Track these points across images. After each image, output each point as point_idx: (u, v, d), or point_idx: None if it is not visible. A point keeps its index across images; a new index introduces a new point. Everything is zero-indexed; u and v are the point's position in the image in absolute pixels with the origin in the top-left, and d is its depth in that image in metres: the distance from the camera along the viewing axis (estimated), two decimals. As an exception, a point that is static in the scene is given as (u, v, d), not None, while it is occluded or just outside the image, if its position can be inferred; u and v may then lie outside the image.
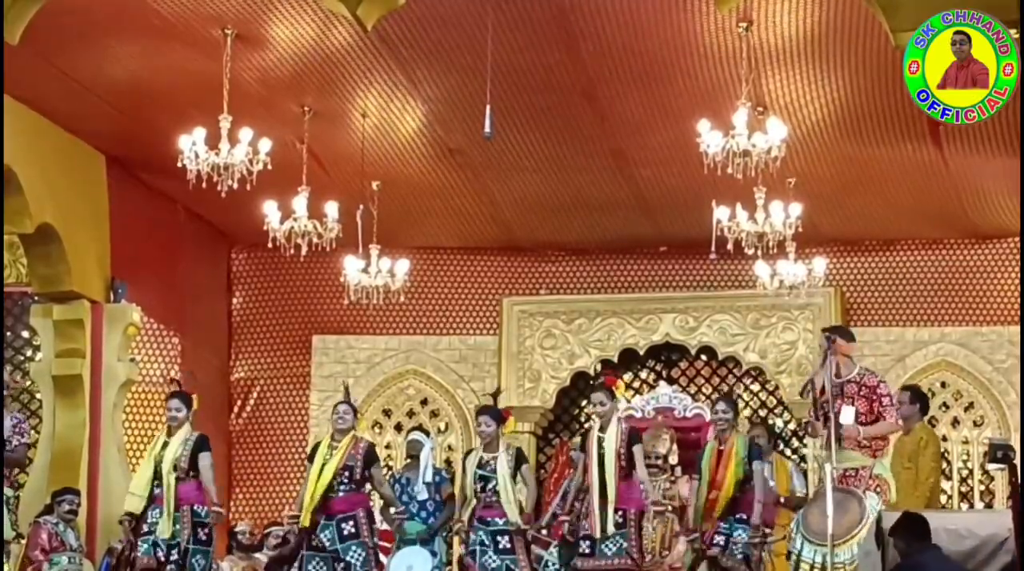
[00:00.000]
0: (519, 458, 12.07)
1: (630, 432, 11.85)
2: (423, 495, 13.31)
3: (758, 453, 11.89)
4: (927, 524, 8.23)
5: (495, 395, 12.92)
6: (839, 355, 10.61)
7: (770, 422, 16.92)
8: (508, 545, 11.77)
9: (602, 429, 11.81)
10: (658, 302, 17.77)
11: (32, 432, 16.05)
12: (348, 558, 11.59)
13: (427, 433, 15.01)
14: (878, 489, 10.58)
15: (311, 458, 11.97)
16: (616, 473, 11.60)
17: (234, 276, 18.53)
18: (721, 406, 11.93)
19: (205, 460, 11.78)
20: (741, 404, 16.09)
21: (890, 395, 10.91)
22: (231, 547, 15.54)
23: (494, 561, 11.74)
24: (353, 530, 11.67)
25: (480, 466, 11.94)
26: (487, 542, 11.79)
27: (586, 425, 16.13)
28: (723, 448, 11.68)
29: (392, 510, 12.70)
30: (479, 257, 18.36)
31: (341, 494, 11.73)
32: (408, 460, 14.26)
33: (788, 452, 17.06)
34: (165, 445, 11.85)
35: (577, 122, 14.47)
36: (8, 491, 12.83)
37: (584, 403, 17.76)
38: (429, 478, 13.36)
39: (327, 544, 11.63)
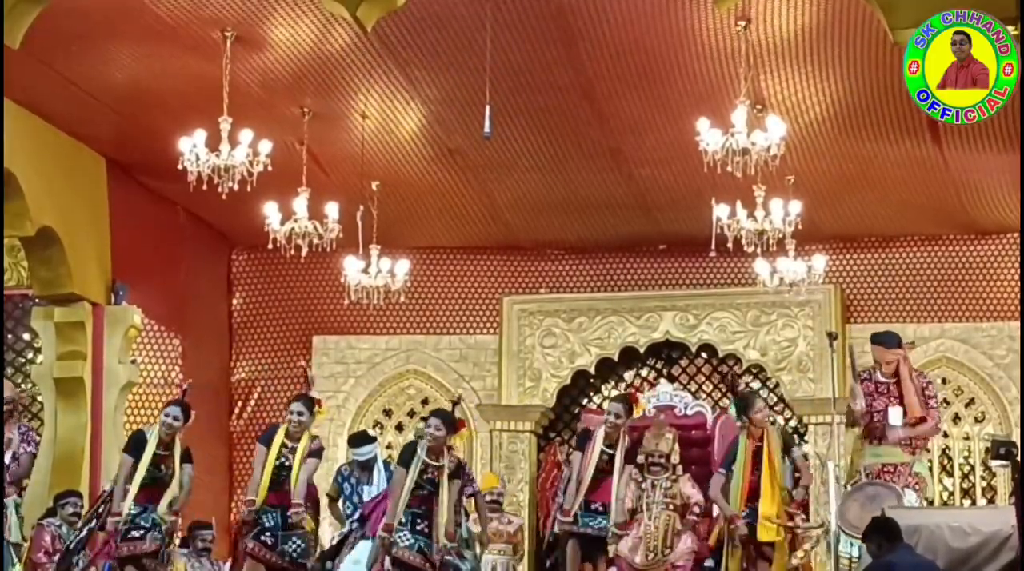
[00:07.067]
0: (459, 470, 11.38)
1: (628, 451, 11.84)
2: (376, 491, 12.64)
3: (793, 441, 11.82)
4: (897, 525, 8.26)
5: (455, 402, 12.04)
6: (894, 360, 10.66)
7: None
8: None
9: (610, 445, 11.79)
10: (658, 300, 17.76)
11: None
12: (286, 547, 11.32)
13: (372, 439, 14.39)
14: (916, 486, 10.57)
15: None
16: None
17: (235, 277, 18.53)
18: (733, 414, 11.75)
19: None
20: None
21: (936, 397, 10.92)
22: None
23: None
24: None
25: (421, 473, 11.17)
26: None
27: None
28: (760, 444, 11.43)
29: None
30: (479, 257, 18.35)
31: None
32: (353, 460, 13.35)
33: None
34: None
35: (576, 121, 14.47)
36: (16, 498, 12.83)
37: (585, 401, 17.78)
38: (385, 483, 12.51)
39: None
